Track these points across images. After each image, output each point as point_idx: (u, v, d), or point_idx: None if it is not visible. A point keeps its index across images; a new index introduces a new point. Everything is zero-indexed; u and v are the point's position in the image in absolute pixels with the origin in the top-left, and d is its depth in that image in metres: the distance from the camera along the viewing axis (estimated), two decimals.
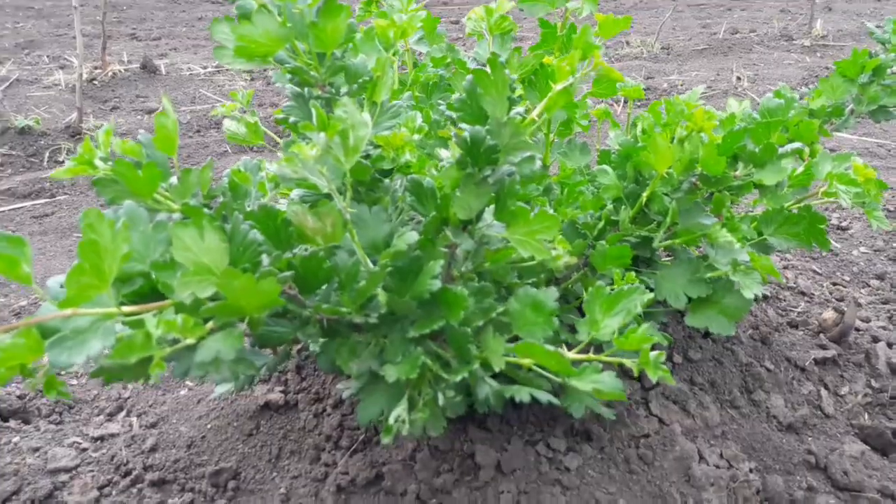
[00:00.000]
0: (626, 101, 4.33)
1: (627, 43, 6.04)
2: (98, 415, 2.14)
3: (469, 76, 1.22)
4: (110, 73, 5.62)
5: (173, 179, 1.26)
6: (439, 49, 2.04)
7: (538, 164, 1.20)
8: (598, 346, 1.33)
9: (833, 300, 2.65)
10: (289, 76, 1.35)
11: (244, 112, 1.98)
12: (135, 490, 1.81)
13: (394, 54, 1.34)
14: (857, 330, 2.41)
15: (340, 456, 1.77)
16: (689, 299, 1.66)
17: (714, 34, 6.51)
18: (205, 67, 6.07)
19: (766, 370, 2.11)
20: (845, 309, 2.38)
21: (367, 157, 1.32)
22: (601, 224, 1.68)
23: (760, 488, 1.81)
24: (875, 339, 2.36)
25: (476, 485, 1.65)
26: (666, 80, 5.24)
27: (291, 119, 1.33)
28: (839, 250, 3.05)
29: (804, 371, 2.18)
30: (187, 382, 2.19)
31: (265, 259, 1.08)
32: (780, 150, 1.60)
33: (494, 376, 1.33)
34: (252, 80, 5.70)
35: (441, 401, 1.18)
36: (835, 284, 2.79)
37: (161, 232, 1.08)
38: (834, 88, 2.09)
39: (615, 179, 1.64)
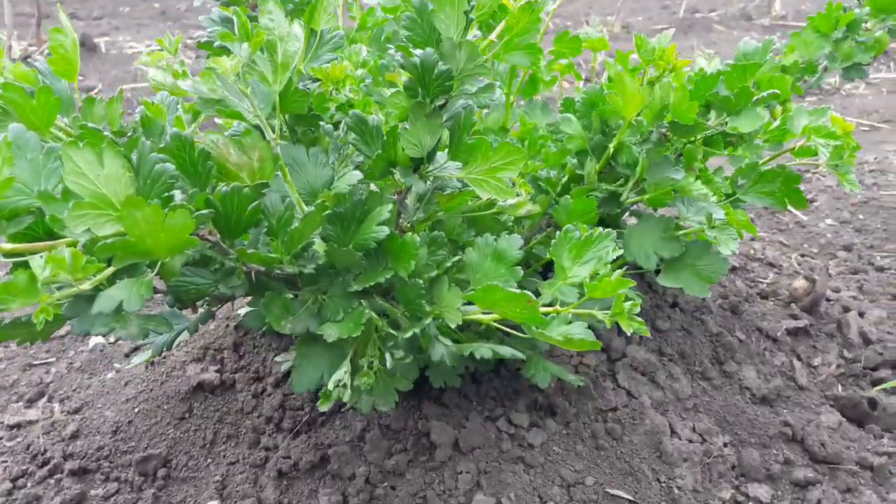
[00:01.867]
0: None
1: (587, 22, 5.94)
2: (17, 401, 1.94)
3: None
4: (46, 52, 5.33)
5: (76, 113, 1.09)
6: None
7: (498, 93, 1.05)
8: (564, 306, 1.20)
9: (802, 271, 2.56)
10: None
11: (173, 62, 1.80)
12: (52, 480, 1.62)
13: None
14: (828, 300, 2.32)
15: (282, 439, 1.61)
16: (661, 259, 1.53)
17: (674, 13, 6.45)
18: (148, 45, 5.80)
19: (738, 340, 2.00)
20: (816, 278, 2.28)
21: (306, 91, 1.15)
22: (565, 179, 1.54)
23: (736, 463, 1.70)
24: (846, 309, 2.27)
25: (432, 465, 1.50)
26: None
27: (217, 44, 1.16)
28: (806, 222, 2.97)
29: (776, 342, 2.08)
30: (115, 364, 2.00)
31: (178, 195, 0.91)
32: (756, 97, 1.47)
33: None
34: (197, 57, 5.46)
35: (389, 363, 1.03)
36: (803, 256, 2.70)
37: (54, 160, 0.91)
38: (807, 44, 1.98)
39: (580, 129, 1.50)
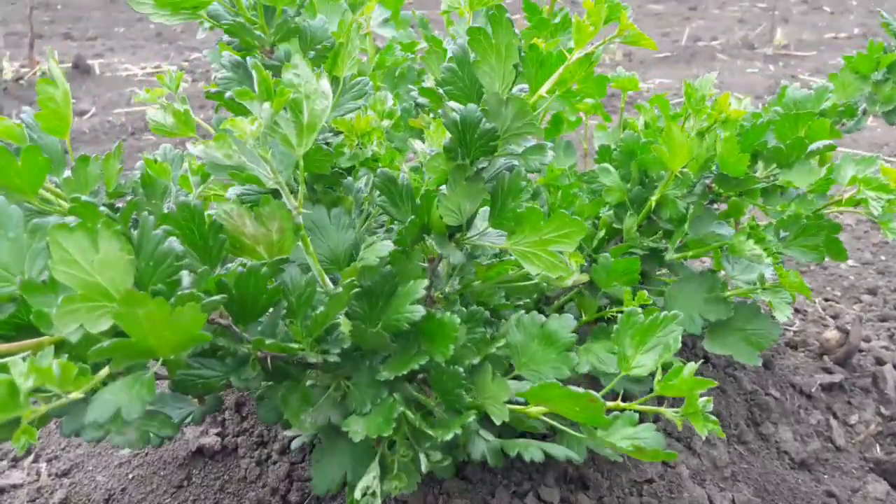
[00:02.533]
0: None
1: None
2: (1, 459, 1.79)
3: (459, 39, 0.95)
4: (39, 73, 5.20)
5: (68, 172, 0.96)
6: (406, 35, 1.76)
7: (550, 155, 0.92)
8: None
9: (828, 317, 2.45)
10: (226, 38, 1.06)
11: (172, 99, 1.67)
12: None
13: (358, 29, 1.06)
14: (860, 351, 2.20)
15: None
16: (706, 322, 1.40)
17: (676, 41, 6.37)
18: (143, 68, 5.69)
19: (773, 399, 1.88)
20: (849, 328, 2.16)
21: (327, 145, 1.03)
22: (602, 233, 1.42)
23: None
24: (879, 361, 2.15)
25: None
26: None
27: (228, 94, 1.04)
28: (827, 263, 2.86)
29: (810, 398, 1.96)
30: None
31: (186, 277, 0.78)
32: (810, 149, 1.36)
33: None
34: (194, 80, 5.35)
35: (424, 466, 0.90)
36: (827, 300, 2.59)
37: (40, 239, 0.78)
38: (845, 86, 1.86)
39: (618, 181, 1.38)
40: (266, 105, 0.76)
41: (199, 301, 0.73)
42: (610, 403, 0.92)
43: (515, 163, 0.97)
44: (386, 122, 1.13)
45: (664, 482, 1.55)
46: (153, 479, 1.59)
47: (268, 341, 0.81)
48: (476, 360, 0.91)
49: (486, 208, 0.99)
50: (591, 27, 0.90)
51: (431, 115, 1.31)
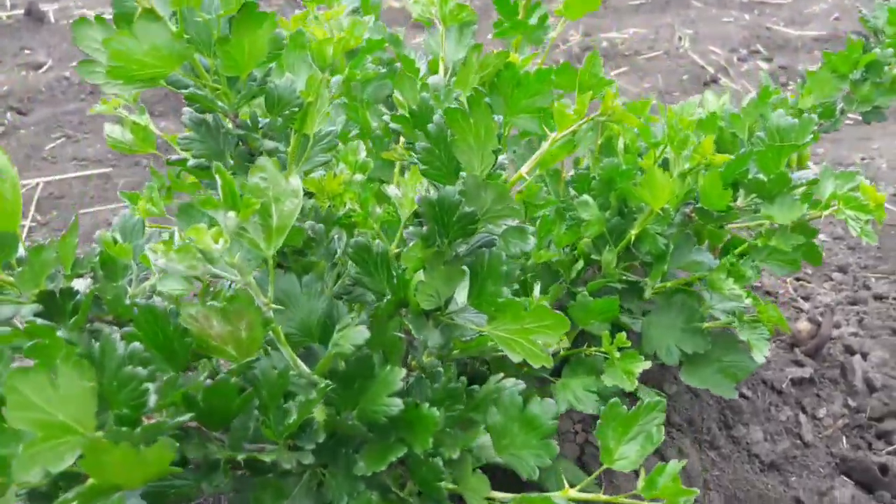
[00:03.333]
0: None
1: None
2: None
3: (437, 115, 0.90)
4: None
5: (21, 251, 0.91)
6: (377, 29, 1.68)
7: (531, 241, 0.89)
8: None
9: (799, 299, 2.47)
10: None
11: (131, 111, 1.59)
12: None
13: (331, 73, 1.00)
14: (830, 338, 2.23)
15: None
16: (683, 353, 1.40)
17: None
18: (101, 13, 5.44)
19: (744, 398, 1.90)
20: (820, 321, 2.19)
21: (302, 228, 0.98)
22: (580, 264, 1.39)
23: None
24: (849, 350, 2.19)
25: None
26: (605, 38, 4.97)
27: (192, 161, 0.98)
28: None
29: (781, 394, 1.99)
30: None
31: (152, 396, 0.75)
32: (793, 184, 1.34)
33: None
34: None
35: None
36: (798, 280, 2.60)
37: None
38: (822, 84, 1.83)
39: (597, 213, 1.34)
40: (231, 214, 0.72)
41: (165, 432, 0.70)
42: (587, 496, 0.91)
43: (494, 237, 0.93)
44: (359, 177, 1.08)
45: None
46: None
47: (239, 457, 0.79)
48: (456, 455, 0.90)
49: (465, 283, 0.96)
50: (573, 114, 0.85)
51: (405, 144, 1.26)
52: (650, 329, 1.39)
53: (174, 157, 1.01)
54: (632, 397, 1.39)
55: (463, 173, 0.91)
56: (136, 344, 0.77)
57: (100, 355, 0.74)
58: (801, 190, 1.35)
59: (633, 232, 1.32)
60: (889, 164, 3.32)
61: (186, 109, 1.02)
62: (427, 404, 0.88)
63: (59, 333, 0.80)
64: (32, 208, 3.12)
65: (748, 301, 1.29)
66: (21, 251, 0.91)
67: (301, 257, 1.03)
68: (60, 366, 0.68)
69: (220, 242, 0.72)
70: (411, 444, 0.89)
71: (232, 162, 1.04)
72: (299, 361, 0.92)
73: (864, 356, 2.16)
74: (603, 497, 0.91)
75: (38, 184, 3.29)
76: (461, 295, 0.96)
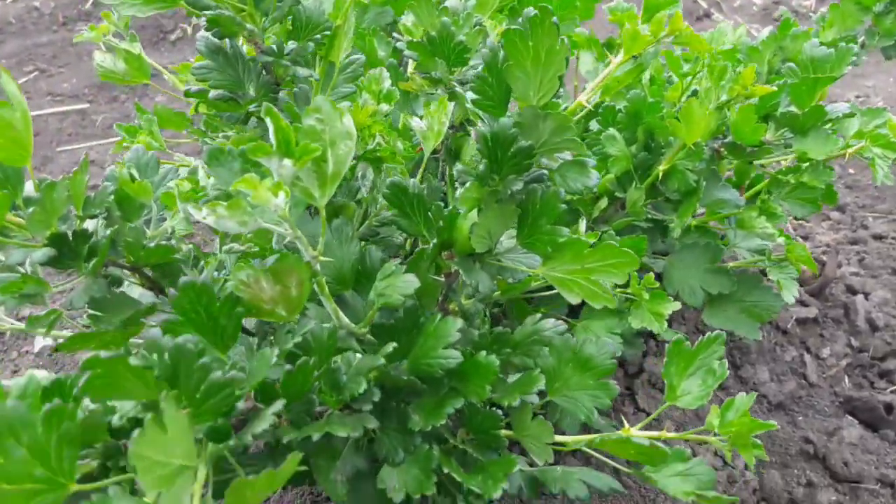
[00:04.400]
0: None
1: None
2: None
3: (490, 39, 0.82)
4: None
5: (29, 186, 0.83)
6: None
7: (594, 176, 0.83)
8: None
9: (799, 238, 2.45)
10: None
11: (122, 38, 1.48)
12: None
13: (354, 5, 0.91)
14: (834, 278, 2.22)
15: None
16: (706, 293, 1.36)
17: None
18: None
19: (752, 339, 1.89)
20: (825, 259, 2.17)
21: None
22: (602, 203, 1.34)
23: (757, 487, 1.61)
24: (851, 290, 2.18)
25: None
26: None
27: (213, 93, 0.90)
28: None
29: (786, 334, 1.98)
30: None
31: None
32: (830, 113, 1.28)
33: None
34: None
35: None
36: (797, 219, 2.59)
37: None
38: (845, 17, 1.77)
39: (624, 148, 1.28)
40: (287, 162, 0.64)
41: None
42: (653, 434, 0.88)
43: (544, 172, 0.87)
44: (385, 107, 1.00)
45: None
46: None
47: (315, 436, 0.73)
48: (516, 403, 0.84)
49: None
50: (649, 35, 0.78)
51: (422, 75, 1.18)
52: (672, 270, 1.35)
53: (193, 87, 0.92)
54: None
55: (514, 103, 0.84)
56: (189, 336, 0.69)
57: (171, 365, 0.66)
58: (827, 127, 1.30)
59: (662, 168, 1.27)
60: (884, 101, 3.29)
61: (201, 35, 0.93)
62: (483, 352, 0.83)
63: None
64: None
65: (781, 239, 1.25)
66: (29, 189, 0.83)
67: (331, 201, 0.96)
68: (165, 407, 0.61)
69: (281, 196, 0.65)
70: (466, 393, 0.84)
71: (253, 93, 0.96)
72: (342, 315, 0.86)
73: (866, 296, 2.16)
74: (670, 434, 0.87)
75: None
76: (508, 239, 0.90)
